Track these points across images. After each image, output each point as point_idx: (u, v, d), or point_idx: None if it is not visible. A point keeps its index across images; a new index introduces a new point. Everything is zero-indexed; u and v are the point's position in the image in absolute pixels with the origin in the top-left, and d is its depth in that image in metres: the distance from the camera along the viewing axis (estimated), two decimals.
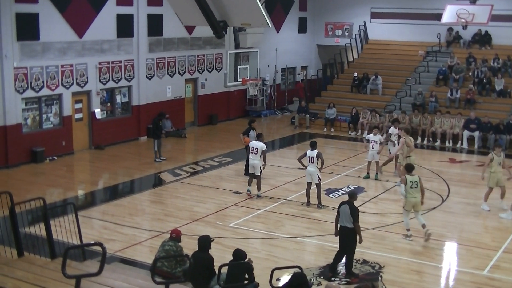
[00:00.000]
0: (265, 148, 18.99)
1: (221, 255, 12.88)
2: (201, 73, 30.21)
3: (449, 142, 26.89)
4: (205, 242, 11.45)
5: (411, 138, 19.90)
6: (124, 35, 25.84)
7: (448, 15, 27.60)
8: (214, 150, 25.37)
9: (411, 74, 32.41)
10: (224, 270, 10.78)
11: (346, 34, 37.35)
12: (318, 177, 17.70)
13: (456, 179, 21.52)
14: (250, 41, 29.08)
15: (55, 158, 23.22)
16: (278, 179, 20.86)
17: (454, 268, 14.17)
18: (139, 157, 24.24)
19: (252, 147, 18.87)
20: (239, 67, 17.22)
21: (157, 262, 10.82)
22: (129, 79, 26.38)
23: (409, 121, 27.82)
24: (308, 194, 17.97)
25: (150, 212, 17.78)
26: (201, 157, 24.34)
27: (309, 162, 17.72)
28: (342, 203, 13.40)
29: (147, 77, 27.14)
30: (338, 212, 13.34)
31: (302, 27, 37.46)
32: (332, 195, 19.20)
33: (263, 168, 18.86)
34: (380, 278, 13.15)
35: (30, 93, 22.39)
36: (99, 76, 24.95)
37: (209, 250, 11.46)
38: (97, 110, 25.12)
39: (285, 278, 12.07)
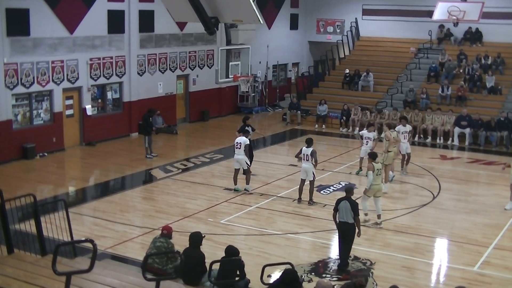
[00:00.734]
0: (248, 143, 19.07)
1: (212, 252, 12.88)
2: (192, 70, 30.16)
3: (440, 139, 26.95)
4: (196, 238, 11.44)
5: (392, 131, 19.85)
6: (115, 31, 25.76)
7: (440, 12, 27.63)
8: (206, 146, 25.34)
9: (403, 71, 32.45)
10: (216, 266, 10.78)
11: (338, 30, 37.36)
12: (313, 173, 17.74)
13: (447, 175, 21.57)
14: (241, 38, 29.04)
15: (46, 154, 23.14)
16: (270, 176, 20.85)
17: (445, 265, 14.24)
18: (131, 154, 24.19)
19: (237, 142, 18.96)
20: (230, 63, 17.19)
21: (148, 258, 10.79)
22: (120, 75, 26.30)
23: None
24: (300, 190, 17.97)
25: (141, 208, 17.75)
26: (193, 153, 24.30)
27: (304, 159, 17.74)
28: (340, 200, 13.42)
29: (138, 73, 27.07)
30: (336, 209, 13.35)
31: (294, 24, 37.44)
32: (324, 191, 19.21)
33: (248, 163, 18.88)
34: (371, 274, 13.18)
35: (20, 89, 22.29)
36: (90, 72, 24.86)
37: (200, 246, 11.45)
38: (88, 107, 25.04)
39: (276, 274, 12.06)
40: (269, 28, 34.99)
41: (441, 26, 33.88)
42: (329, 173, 21.37)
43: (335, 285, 12.11)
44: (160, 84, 28.39)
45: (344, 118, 29.01)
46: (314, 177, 17.83)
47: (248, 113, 30.50)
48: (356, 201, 13.82)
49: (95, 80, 25.16)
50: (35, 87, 22.81)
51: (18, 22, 21.82)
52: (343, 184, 19.99)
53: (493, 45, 32.42)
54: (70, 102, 24.50)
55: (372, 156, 16.59)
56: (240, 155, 18.65)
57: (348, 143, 26.53)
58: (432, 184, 20.38)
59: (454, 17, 27.15)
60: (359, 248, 14.31)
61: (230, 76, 17.26)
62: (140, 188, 20.00)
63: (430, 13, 29.47)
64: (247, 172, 18.75)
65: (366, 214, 16.33)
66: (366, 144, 20.78)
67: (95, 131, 25.26)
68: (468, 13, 26.96)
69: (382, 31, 35.78)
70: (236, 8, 12.74)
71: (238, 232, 15.75)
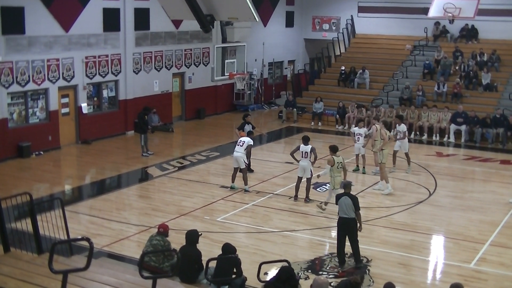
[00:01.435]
0: (252, 143, 19.12)
1: (209, 250, 12.89)
2: (188, 68, 30.14)
3: (436, 136, 26.98)
4: (193, 236, 11.44)
5: (386, 131, 19.79)
6: (110, 29, 25.72)
7: (435, 9, 27.64)
8: (202, 144, 25.33)
9: (398, 68, 32.49)
10: (212, 264, 10.79)
11: (334, 28, 37.37)
12: (311, 171, 17.74)
13: (443, 172, 21.60)
14: (237, 35, 29.03)
15: (42, 153, 23.11)
16: (266, 173, 20.85)
17: (441, 261, 14.25)
18: (126, 152, 24.17)
19: (241, 140, 18.97)
20: (226, 61, 17.20)
21: (144, 256, 10.80)
22: (116, 74, 26.27)
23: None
24: (297, 188, 17.98)
25: (137, 206, 17.74)
26: (189, 151, 24.29)
27: (302, 156, 17.75)
28: (340, 196, 13.46)
29: (134, 71, 27.04)
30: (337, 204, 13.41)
31: (290, 21, 37.43)
32: (320, 189, 19.22)
33: (246, 162, 18.90)
34: (367, 271, 13.19)
35: (15, 88, 22.24)
36: (86, 71, 24.82)
37: (197, 244, 11.45)
38: (84, 105, 25.00)
39: (272, 272, 12.07)
40: (265, 26, 34.98)
41: (437, 23, 33.91)
42: (325, 170, 21.33)
43: (331, 282, 12.13)
44: (156, 82, 28.37)
45: (338, 115, 29.05)
46: (311, 175, 17.85)
47: (246, 110, 30.50)
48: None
49: (91, 78, 25.12)
50: (31, 86, 22.77)
51: (13, 21, 21.77)
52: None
53: (489, 42, 32.46)
54: (65, 100, 24.46)
55: (333, 149, 16.96)
56: (239, 153, 18.62)
57: (344, 140, 26.52)
58: (428, 181, 20.41)
59: (450, 14, 27.16)
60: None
61: (226, 74, 17.28)
62: (136, 186, 19.98)
63: (425, 10, 29.50)
64: (244, 171, 18.74)
65: (326, 204, 17.00)
66: (358, 141, 20.83)
67: (91, 129, 25.23)
68: (464, 10, 26.97)
69: (378, 28, 35.81)
70: (232, 6, 12.75)
71: (235, 230, 15.75)
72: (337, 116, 29.36)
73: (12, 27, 21.77)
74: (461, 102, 28.42)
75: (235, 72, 17.77)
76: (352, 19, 36.52)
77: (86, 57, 24.76)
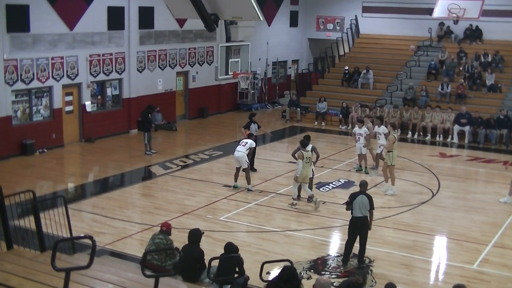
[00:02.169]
0: (254, 146, 19.27)
1: (211, 249, 12.89)
2: (192, 66, 30.15)
3: (439, 137, 26.96)
4: (195, 235, 11.44)
5: (395, 135, 19.60)
6: (115, 28, 25.74)
7: (440, 9, 27.62)
8: (205, 143, 25.34)
9: (402, 68, 32.46)
10: (215, 263, 10.79)
11: (338, 28, 37.34)
12: (312, 171, 17.74)
13: (447, 173, 21.57)
14: (241, 35, 29.02)
15: (45, 150, 23.14)
16: (269, 173, 20.85)
17: (444, 262, 14.24)
18: (130, 150, 24.18)
19: (243, 140, 19.01)
20: (230, 60, 17.27)
21: (147, 255, 10.81)
22: (120, 72, 26.30)
23: (400, 115, 27.92)
24: (299, 188, 17.97)
25: (140, 205, 17.75)
26: (192, 150, 24.31)
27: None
28: (356, 194, 13.41)
29: (138, 70, 27.06)
30: (350, 203, 13.34)
31: (294, 21, 37.41)
32: (323, 188, 19.23)
33: (248, 162, 18.92)
34: (370, 272, 13.18)
35: (20, 85, 22.28)
36: (90, 69, 24.85)
37: (200, 243, 11.46)
38: (88, 103, 25.03)
39: (275, 271, 12.06)
40: (269, 25, 34.97)
41: (441, 24, 33.86)
42: (328, 170, 21.38)
43: (334, 282, 12.12)
44: (159, 81, 28.39)
45: (341, 115, 29.04)
46: (313, 174, 17.84)
47: (250, 110, 30.51)
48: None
49: (95, 77, 25.15)
50: (35, 83, 22.81)
51: (18, 18, 21.81)
52: (343, 182, 20.03)
53: (493, 42, 32.41)
54: (69, 98, 24.50)
55: (303, 144, 17.24)
56: (240, 152, 18.63)
57: (347, 140, 26.50)
58: (431, 182, 20.39)
59: (454, 15, 27.15)
60: (358, 245, 14.30)
61: (229, 73, 17.31)
62: (139, 185, 19.99)
63: (430, 11, 29.47)
64: (246, 171, 18.74)
65: (294, 199, 17.38)
66: (358, 141, 20.82)
67: (94, 127, 25.26)
68: (468, 11, 26.96)
69: (382, 28, 35.77)
70: (236, 5, 12.72)
71: (237, 229, 15.76)
72: (341, 116, 29.35)
73: (17, 25, 21.81)
74: (464, 103, 28.38)
75: (239, 71, 17.84)
76: (356, 19, 36.49)
77: (90, 56, 24.79)
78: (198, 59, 30.41)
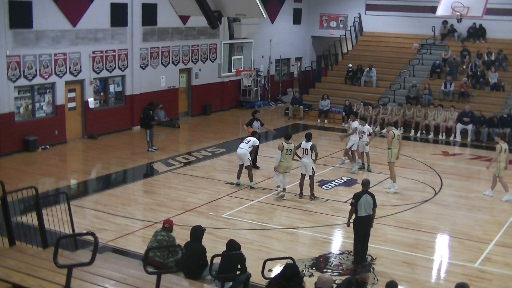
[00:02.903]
0: (258, 144, 19.32)
1: (213, 246, 12.90)
2: (195, 63, 30.14)
3: (442, 135, 26.93)
4: (197, 232, 11.45)
5: (394, 132, 19.56)
6: (118, 24, 25.73)
7: (443, 8, 27.53)
8: (208, 140, 25.34)
9: (405, 66, 32.43)
10: (217, 260, 10.79)
11: (341, 25, 37.30)
12: (312, 168, 17.75)
13: (449, 172, 21.55)
14: (244, 32, 28.99)
15: (48, 147, 23.15)
16: (271, 170, 20.80)
17: (446, 261, 14.23)
18: (132, 147, 24.19)
19: (246, 138, 19.06)
20: (233, 57, 17.22)
21: (149, 252, 10.81)
22: (122, 69, 26.29)
23: (403, 113, 27.90)
24: (301, 185, 17.98)
25: (142, 202, 17.76)
26: (195, 147, 24.31)
27: (304, 153, 17.75)
28: (360, 194, 13.39)
29: (140, 66, 27.06)
30: (355, 204, 13.30)
31: (297, 18, 37.37)
32: (325, 186, 19.22)
33: (250, 159, 18.95)
34: (372, 270, 13.19)
35: (22, 82, 22.29)
36: (93, 65, 24.85)
37: (202, 240, 11.46)
38: (90, 99, 25.04)
39: (277, 269, 12.07)
40: (272, 23, 34.94)
41: (445, 22, 33.81)
42: (330, 168, 21.37)
43: (336, 280, 12.12)
44: (162, 78, 28.38)
45: (344, 113, 29.01)
46: (313, 172, 17.84)
47: (252, 107, 30.52)
48: (350, 199, 13.84)
49: (98, 73, 25.15)
50: (38, 80, 22.81)
51: (21, 15, 21.81)
52: (345, 179, 20.03)
53: (496, 41, 32.36)
54: (72, 95, 24.49)
55: (285, 136, 17.93)
56: (243, 149, 18.64)
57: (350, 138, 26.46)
58: (434, 180, 20.38)
59: (458, 13, 27.05)
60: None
61: (232, 70, 17.28)
62: (142, 182, 20.00)
63: (433, 9, 29.38)
64: (249, 168, 18.76)
65: (278, 187, 17.88)
66: (361, 138, 20.79)
67: (97, 124, 25.27)
68: (472, 9, 26.86)
69: (385, 26, 35.73)
70: (239, 2, 12.72)
71: (240, 226, 15.76)
72: (344, 113, 29.31)
73: (20, 21, 21.80)
74: (468, 101, 28.35)
75: (242, 69, 17.78)
76: (359, 17, 36.44)
77: (93, 52, 24.79)
78: (201, 56, 30.40)
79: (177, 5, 14.17)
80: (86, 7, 24.30)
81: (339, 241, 15.24)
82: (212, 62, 30.64)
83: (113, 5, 25.38)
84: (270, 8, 33.78)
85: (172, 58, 28.75)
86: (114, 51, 25.75)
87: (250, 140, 18.92)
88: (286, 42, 36.25)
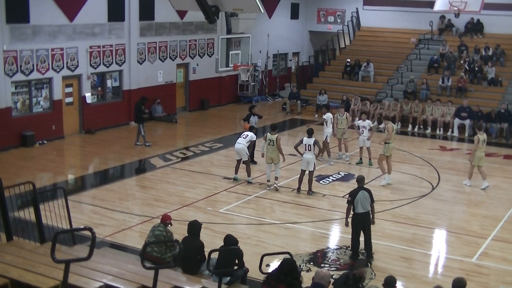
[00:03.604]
0: (255, 139, 19.31)
1: (211, 241, 12.90)
2: (192, 58, 30.11)
3: (440, 130, 26.95)
4: (195, 227, 11.46)
5: (393, 125, 19.73)
6: (115, 19, 25.68)
7: (441, 3, 27.52)
8: (205, 135, 25.32)
9: (403, 61, 32.42)
10: (214, 255, 10.79)
11: (339, 20, 37.27)
12: (314, 164, 17.74)
13: (447, 166, 21.57)
14: (242, 27, 28.97)
15: (45, 142, 23.13)
16: (266, 165, 20.79)
17: (443, 256, 14.25)
18: (130, 142, 24.11)
19: (245, 133, 19.06)
20: (230, 52, 17.19)
21: (147, 247, 10.81)
22: (120, 64, 26.25)
23: (400, 108, 27.91)
24: (300, 181, 17.98)
25: (140, 197, 17.75)
26: (192, 142, 24.29)
27: (306, 149, 17.72)
28: (356, 191, 13.34)
29: (138, 61, 27.02)
30: (351, 202, 13.27)
31: (295, 13, 37.33)
32: (323, 181, 19.23)
33: (248, 154, 18.95)
34: (369, 264, 13.19)
35: (20, 77, 22.24)
36: (90, 60, 24.81)
37: (199, 235, 11.46)
38: (88, 95, 25.01)
39: (274, 264, 12.08)
40: (270, 17, 34.90)
41: (442, 17, 33.80)
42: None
43: (333, 274, 12.13)
44: (160, 73, 28.35)
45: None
46: (314, 168, 17.84)
47: (250, 102, 30.51)
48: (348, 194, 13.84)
49: (95, 68, 25.11)
50: (35, 75, 22.76)
51: (18, 10, 21.75)
52: (343, 174, 20.03)
53: (494, 36, 32.35)
54: (69, 90, 24.46)
55: (271, 127, 18.40)
56: (241, 145, 18.66)
57: (348, 133, 26.46)
58: (432, 175, 20.39)
59: (455, 8, 27.03)
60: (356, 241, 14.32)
61: (230, 65, 17.26)
62: (139, 177, 19.99)
63: (431, 4, 29.36)
64: (247, 163, 18.77)
65: (268, 181, 18.19)
66: (362, 133, 20.81)
67: (94, 119, 25.24)
68: (470, 4, 26.83)
69: (383, 21, 35.70)
70: None
71: (237, 221, 15.76)
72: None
73: (17, 16, 21.74)
74: (465, 96, 28.35)
75: (239, 64, 17.76)
76: (357, 12, 36.42)
77: (91, 47, 24.74)
78: (198, 51, 30.36)
79: (174, 0, 14.16)
80: (83, 2, 24.24)
81: (336, 236, 15.26)
82: (210, 57, 30.59)
83: (110, 0, 25.31)
84: (267, 2, 33.71)
85: (169, 53, 28.71)
86: (111, 46, 25.70)
87: (247, 135, 18.94)
88: (283, 37, 36.22)
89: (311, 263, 13.22)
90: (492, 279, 12.89)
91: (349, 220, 13.68)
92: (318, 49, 37.75)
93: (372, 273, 12.76)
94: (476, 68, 29.82)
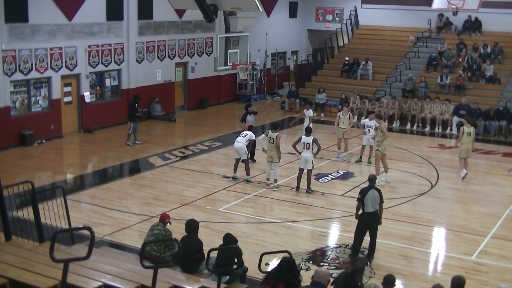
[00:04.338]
0: (254, 138, 19.27)
1: (210, 240, 12.90)
2: (191, 57, 30.09)
3: (438, 128, 26.96)
4: (192, 225, 11.45)
5: (384, 123, 19.75)
6: (114, 18, 25.65)
7: (439, 1, 27.50)
8: (204, 134, 25.32)
9: (402, 59, 32.41)
10: (213, 254, 10.78)
11: (337, 19, 37.25)
12: (312, 163, 17.74)
13: (446, 164, 21.57)
14: (240, 25, 28.94)
15: (44, 141, 23.11)
16: (266, 164, 20.79)
17: (443, 253, 14.26)
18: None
19: (244, 132, 19.05)
20: (229, 51, 17.20)
21: (146, 246, 10.81)
22: (118, 63, 26.23)
23: (399, 106, 27.91)
24: (299, 179, 17.98)
25: (139, 196, 17.73)
26: (191, 141, 24.28)
27: (305, 148, 17.72)
28: (366, 190, 13.27)
29: (137, 60, 27.00)
30: (361, 200, 13.21)
31: (293, 12, 37.31)
32: (322, 180, 19.23)
33: (248, 153, 18.94)
34: (368, 263, 13.19)
35: (18, 76, 22.23)
36: (89, 59, 24.79)
37: (197, 233, 11.46)
38: (87, 94, 24.99)
39: (274, 262, 12.09)
40: (268, 16, 34.89)
41: (441, 15, 33.79)
42: (327, 161, 21.37)
43: (333, 273, 12.13)
44: (158, 72, 28.33)
45: (340, 106, 29.01)
46: (312, 166, 17.83)
47: (248, 101, 30.51)
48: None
49: (94, 67, 25.09)
50: (34, 74, 22.75)
51: (17, 9, 21.73)
52: (342, 173, 20.03)
53: (492, 34, 32.34)
54: (68, 89, 24.45)
55: (273, 125, 18.76)
56: (240, 143, 18.65)
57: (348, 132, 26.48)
58: (430, 173, 20.40)
59: (454, 6, 27.03)
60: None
61: (228, 64, 17.27)
62: (138, 176, 19.96)
63: (429, 2, 29.31)
64: (246, 162, 18.77)
65: (268, 179, 18.22)
66: (368, 132, 20.80)
67: (93, 118, 25.22)
68: (468, 2, 26.82)
69: (381, 19, 35.68)
70: None
71: (236, 220, 15.76)
72: (340, 107, 29.27)
73: (15, 15, 21.72)
74: (464, 94, 28.36)
75: (238, 62, 17.76)
76: (355, 10, 36.40)
77: (89, 46, 24.72)
78: (197, 50, 30.34)
79: None
80: (82, 1, 24.22)
81: (336, 234, 15.27)
82: (208, 56, 30.57)
83: None
84: (266, 1, 33.66)
85: (168, 52, 28.69)
86: (110, 45, 25.69)
87: (247, 134, 18.94)
88: (282, 35, 36.20)
89: (311, 262, 13.22)
90: (492, 277, 12.90)
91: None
92: (316, 47, 37.72)
93: (371, 272, 12.77)
94: (475, 66, 29.82)
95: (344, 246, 14.10)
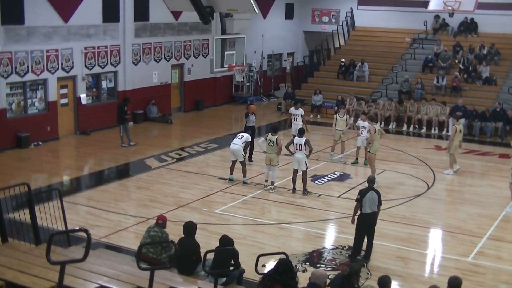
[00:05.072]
0: (250, 139, 19.31)
1: (206, 241, 12.89)
2: (187, 59, 30.08)
3: (435, 129, 26.99)
4: (190, 227, 11.43)
5: (375, 125, 19.65)
6: (110, 20, 25.65)
7: (435, 2, 27.54)
8: (200, 136, 25.31)
9: (398, 61, 32.45)
10: (210, 256, 10.78)
11: (333, 20, 37.30)
12: (306, 163, 17.75)
13: (442, 166, 21.55)
14: (236, 27, 28.95)
15: (40, 143, 23.08)
16: (264, 165, 20.79)
17: (439, 255, 14.26)
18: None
19: (239, 133, 19.06)
20: (225, 53, 17.26)
21: (142, 248, 10.79)
22: (115, 65, 26.22)
23: (395, 108, 27.93)
24: (294, 180, 18.00)
25: (135, 198, 17.72)
26: (187, 143, 24.28)
27: (297, 149, 17.76)
28: (365, 191, 13.30)
29: (133, 62, 26.99)
30: (360, 200, 13.22)
31: (289, 13, 37.35)
32: (318, 181, 19.24)
33: (244, 155, 18.95)
34: (365, 264, 13.19)
35: (14, 78, 22.20)
36: (85, 61, 24.78)
37: (195, 236, 11.44)
38: (83, 96, 24.97)
39: (270, 264, 12.08)
40: (264, 18, 34.91)
41: (437, 17, 33.86)
42: (323, 163, 21.38)
43: (329, 275, 12.13)
44: (155, 74, 28.32)
45: (337, 108, 29.04)
46: (306, 167, 17.85)
47: (245, 102, 30.53)
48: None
49: (90, 69, 25.07)
50: (30, 76, 22.73)
51: (13, 11, 21.71)
52: (338, 174, 20.04)
53: (488, 35, 32.41)
54: (64, 91, 24.42)
55: (272, 128, 18.56)
56: (236, 145, 18.63)
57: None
58: (427, 175, 20.41)
59: (450, 8, 27.05)
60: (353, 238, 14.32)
61: (225, 66, 17.29)
62: (135, 178, 19.93)
63: (425, 3, 29.36)
64: (242, 164, 18.77)
65: (266, 181, 18.23)
66: (362, 134, 20.80)
67: (89, 120, 25.20)
68: (464, 4, 26.85)
69: (378, 21, 35.74)
70: None
71: (233, 222, 15.76)
72: (336, 108, 29.29)
73: (11, 17, 21.68)
74: (460, 95, 28.40)
75: (234, 64, 17.82)
76: (351, 12, 36.45)
77: (85, 48, 24.72)
78: (193, 51, 30.32)
79: (169, 1, 14.12)
80: (78, 3, 24.21)
81: (332, 236, 15.27)
82: (205, 57, 30.57)
83: (105, 1, 25.29)
84: (262, 3, 33.66)
85: (164, 54, 28.69)
86: (106, 47, 25.68)
87: (243, 136, 18.95)
88: (278, 37, 36.22)
89: (307, 263, 13.22)
90: (488, 278, 12.92)
91: (355, 218, 13.62)
92: (312, 49, 37.73)
93: (368, 273, 12.77)
94: (471, 68, 29.88)
95: (341, 247, 14.11)
